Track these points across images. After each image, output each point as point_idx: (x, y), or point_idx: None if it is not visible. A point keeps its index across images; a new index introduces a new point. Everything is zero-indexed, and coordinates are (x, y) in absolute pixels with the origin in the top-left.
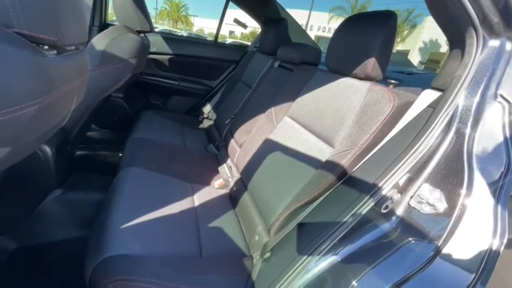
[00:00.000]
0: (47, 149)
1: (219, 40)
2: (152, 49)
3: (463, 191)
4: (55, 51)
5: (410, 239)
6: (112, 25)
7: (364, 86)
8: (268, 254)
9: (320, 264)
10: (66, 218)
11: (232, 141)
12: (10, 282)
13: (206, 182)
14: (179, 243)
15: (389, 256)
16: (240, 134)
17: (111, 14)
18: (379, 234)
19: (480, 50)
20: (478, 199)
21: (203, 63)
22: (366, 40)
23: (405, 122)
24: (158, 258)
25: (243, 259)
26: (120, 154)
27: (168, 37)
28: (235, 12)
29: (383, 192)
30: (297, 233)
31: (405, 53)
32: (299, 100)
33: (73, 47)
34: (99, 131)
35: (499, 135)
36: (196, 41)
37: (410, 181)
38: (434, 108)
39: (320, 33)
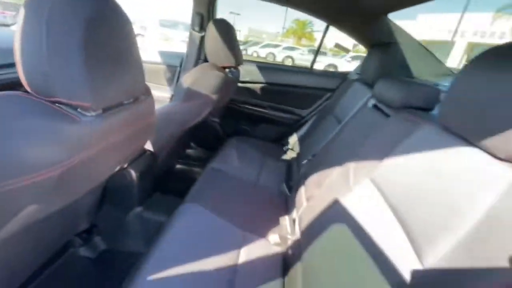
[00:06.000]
0: (132, 172)
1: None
2: (245, 79)
3: None
4: (95, 113)
5: None
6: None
7: (505, 175)
8: None
9: None
10: (141, 234)
11: (302, 188)
12: (95, 277)
13: (262, 233)
14: None
15: None
16: (311, 184)
17: None
18: None
19: None
20: None
21: (295, 92)
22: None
23: None
24: None
25: None
26: None
27: (263, 66)
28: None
29: None
30: None
31: None
32: (389, 162)
33: (125, 102)
34: (196, 149)
35: None
36: (291, 69)
37: None
38: None
39: (478, 39)
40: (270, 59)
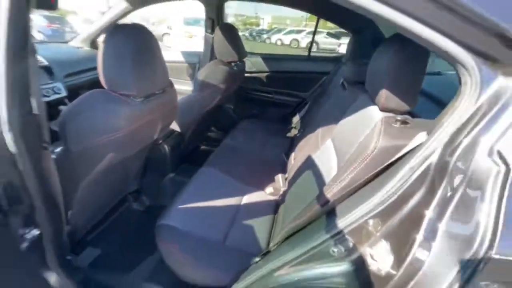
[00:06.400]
0: (165, 147)
1: None
2: (252, 69)
3: (418, 259)
4: (140, 99)
5: None
6: None
7: (376, 118)
8: (257, 259)
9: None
10: (174, 192)
11: (293, 153)
12: (142, 225)
13: (261, 187)
14: (212, 228)
15: None
16: (298, 148)
17: None
18: (326, 275)
19: (475, 90)
20: (433, 272)
21: (297, 77)
22: (382, 64)
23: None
24: (192, 234)
25: (252, 261)
26: None
27: (266, 57)
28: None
29: (338, 236)
30: (276, 251)
31: None
32: (341, 123)
33: (157, 92)
34: (215, 132)
35: (481, 205)
36: (291, 57)
37: (366, 231)
38: (409, 158)
39: None
40: (294, 46)
